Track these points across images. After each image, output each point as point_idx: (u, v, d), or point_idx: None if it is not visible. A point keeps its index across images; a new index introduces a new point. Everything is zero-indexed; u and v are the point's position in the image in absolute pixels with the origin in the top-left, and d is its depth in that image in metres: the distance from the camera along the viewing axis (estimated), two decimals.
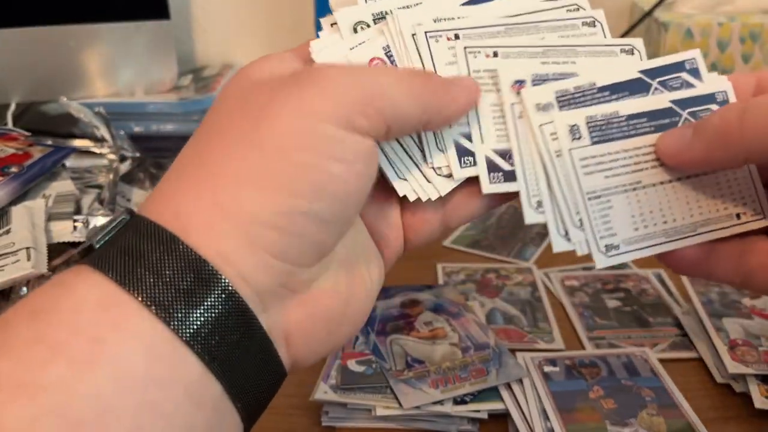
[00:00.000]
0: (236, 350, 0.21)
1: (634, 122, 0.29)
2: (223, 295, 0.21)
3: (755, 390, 0.36)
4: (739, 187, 0.30)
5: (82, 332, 0.19)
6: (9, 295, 0.39)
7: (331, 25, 0.29)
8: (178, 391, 0.20)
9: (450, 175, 0.28)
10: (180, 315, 0.20)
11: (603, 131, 0.28)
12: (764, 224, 0.30)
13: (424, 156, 0.28)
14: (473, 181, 0.28)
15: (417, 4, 0.29)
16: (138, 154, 0.59)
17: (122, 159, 0.57)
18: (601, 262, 0.28)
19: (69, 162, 0.52)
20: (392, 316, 0.42)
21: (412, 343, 0.40)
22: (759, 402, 0.36)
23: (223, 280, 0.21)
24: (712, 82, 0.30)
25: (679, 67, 0.30)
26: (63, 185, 0.49)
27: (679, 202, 0.29)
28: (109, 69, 0.68)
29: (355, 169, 0.23)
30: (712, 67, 0.62)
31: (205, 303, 0.20)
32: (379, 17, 0.29)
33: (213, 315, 0.20)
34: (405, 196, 0.28)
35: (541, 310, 0.46)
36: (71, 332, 0.19)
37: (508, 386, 0.37)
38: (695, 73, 0.30)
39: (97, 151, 0.57)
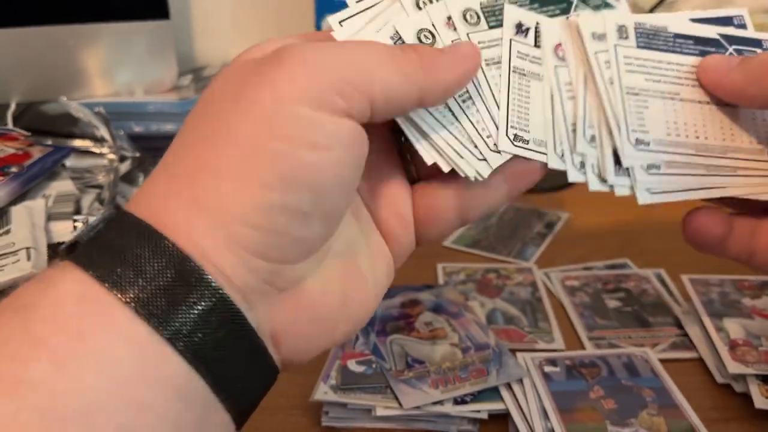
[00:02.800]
0: (222, 348, 0.20)
1: (681, 41, 0.29)
2: (207, 292, 0.20)
3: (756, 390, 0.36)
4: None
5: (64, 327, 0.18)
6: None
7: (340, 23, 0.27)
8: (168, 389, 0.19)
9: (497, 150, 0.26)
10: (159, 312, 0.19)
11: (649, 39, 0.29)
12: None
13: (475, 126, 0.26)
14: (500, 167, 0.27)
15: None
16: (138, 154, 0.59)
17: (122, 159, 0.57)
18: (629, 155, 0.28)
19: (69, 162, 0.52)
20: (392, 316, 0.42)
21: (412, 343, 0.40)
22: (759, 402, 0.36)
23: (206, 276, 0.20)
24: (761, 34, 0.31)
25: (727, 21, 0.30)
26: (63, 185, 0.49)
27: (714, 124, 0.29)
28: (109, 69, 0.68)
29: (333, 155, 0.21)
30: None
31: (187, 300, 0.20)
32: None
33: (195, 312, 0.20)
34: (417, 183, 0.27)
35: (542, 310, 0.46)
36: (53, 327, 0.18)
37: (509, 386, 0.37)
38: (743, 30, 0.31)
39: (97, 151, 0.57)
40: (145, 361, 0.19)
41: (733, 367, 0.38)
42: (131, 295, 0.19)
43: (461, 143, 0.26)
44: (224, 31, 0.81)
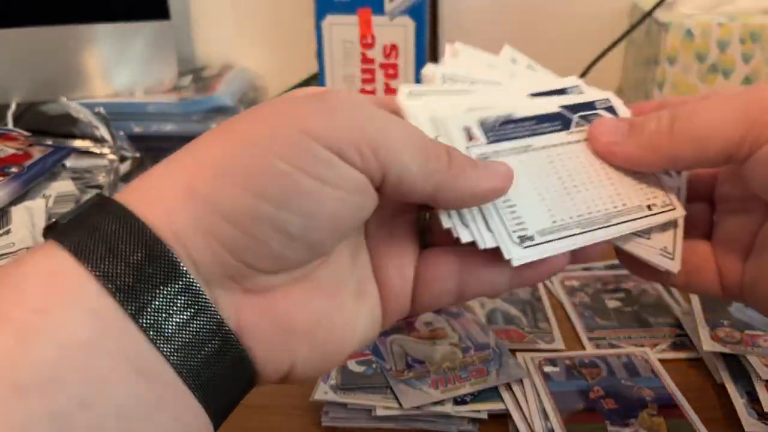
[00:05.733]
0: (186, 329, 0.21)
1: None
2: (173, 274, 0.21)
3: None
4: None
5: (26, 302, 0.19)
6: None
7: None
8: (125, 364, 0.19)
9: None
10: (126, 287, 0.20)
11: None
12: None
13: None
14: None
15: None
16: (138, 155, 0.59)
17: (122, 159, 0.57)
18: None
19: (69, 162, 0.52)
20: None
21: (412, 343, 0.40)
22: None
23: (174, 258, 0.21)
24: (593, 93, 0.32)
25: (561, 92, 0.32)
26: (63, 185, 0.49)
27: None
28: (109, 69, 0.68)
29: (335, 194, 0.22)
30: (712, 68, 0.62)
31: (155, 279, 0.20)
32: None
33: (162, 292, 0.20)
34: (427, 246, 0.28)
35: (542, 311, 0.46)
36: (15, 303, 0.19)
37: (509, 386, 0.37)
38: (578, 95, 0.32)
39: (97, 151, 0.57)
40: (106, 335, 0.19)
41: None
42: (101, 269, 0.20)
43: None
44: (224, 31, 0.81)
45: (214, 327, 0.21)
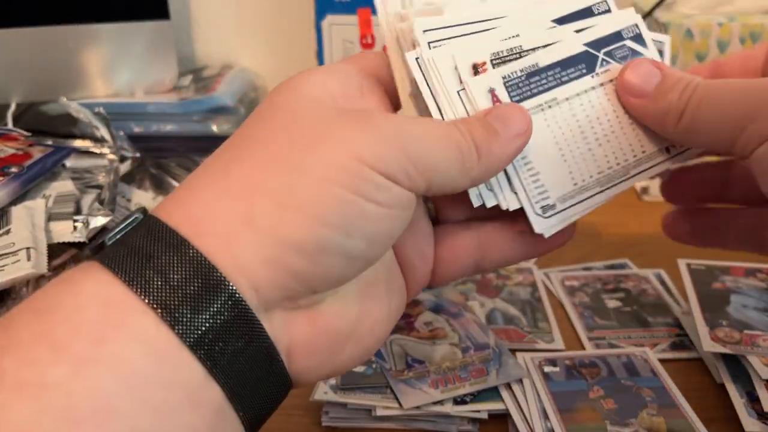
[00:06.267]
0: (240, 357, 0.21)
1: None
2: (230, 302, 0.21)
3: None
4: None
5: (85, 332, 0.19)
6: (9, 296, 0.39)
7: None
8: (180, 394, 0.20)
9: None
10: (185, 320, 0.20)
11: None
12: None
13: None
14: (518, 220, 0.28)
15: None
16: (138, 155, 0.59)
17: (122, 159, 0.57)
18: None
19: (69, 162, 0.52)
20: None
21: (412, 343, 0.40)
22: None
23: (230, 288, 0.21)
24: (620, 18, 0.30)
25: (587, 12, 0.30)
26: (63, 185, 0.49)
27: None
28: (109, 69, 0.68)
29: (391, 213, 0.23)
30: None
31: (211, 309, 0.20)
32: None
33: (218, 321, 0.20)
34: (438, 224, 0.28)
35: (541, 311, 0.46)
36: (73, 331, 0.19)
37: (508, 386, 0.37)
38: (606, 15, 0.30)
39: (97, 151, 0.56)
40: (163, 366, 0.20)
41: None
42: (158, 301, 0.20)
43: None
44: (224, 31, 0.81)
45: (265, 352, 0.22)
